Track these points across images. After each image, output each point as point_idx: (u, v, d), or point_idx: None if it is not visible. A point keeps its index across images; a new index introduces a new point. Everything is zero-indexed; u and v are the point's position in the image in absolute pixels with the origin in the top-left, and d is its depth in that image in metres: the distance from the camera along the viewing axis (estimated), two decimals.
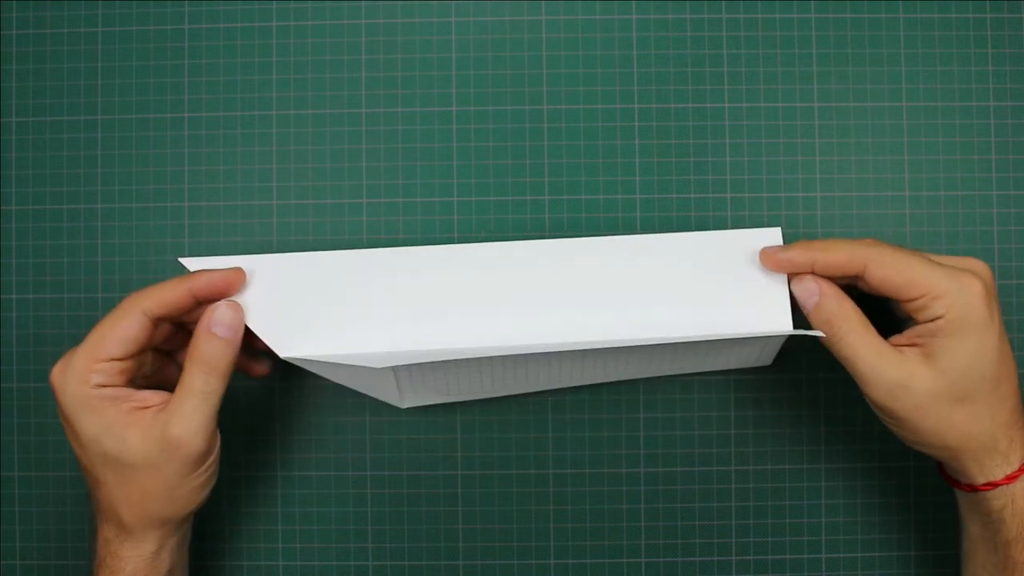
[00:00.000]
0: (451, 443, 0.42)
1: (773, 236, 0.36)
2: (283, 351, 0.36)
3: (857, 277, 0.34)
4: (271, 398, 0.42)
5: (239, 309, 0.35)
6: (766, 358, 0.40)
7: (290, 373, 0.42)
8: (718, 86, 0.42)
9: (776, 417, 0.42)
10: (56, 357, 0.42)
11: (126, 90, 0.42)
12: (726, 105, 0.42)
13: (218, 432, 0.35)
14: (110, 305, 0.42)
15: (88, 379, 0.33)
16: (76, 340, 0.41)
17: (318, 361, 0.36)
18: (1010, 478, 0.33)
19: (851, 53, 0.42)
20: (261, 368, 0.40)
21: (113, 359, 0.33)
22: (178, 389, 0.33)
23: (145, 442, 0.33)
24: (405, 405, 0.40)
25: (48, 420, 0.42)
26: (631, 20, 0.42)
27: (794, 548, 0.42)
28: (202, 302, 0.35)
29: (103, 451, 0.33)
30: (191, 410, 0.33)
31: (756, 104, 0.42)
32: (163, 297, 0.34)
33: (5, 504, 0.42)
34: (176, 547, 0.36)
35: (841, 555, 0.42)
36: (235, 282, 0.35)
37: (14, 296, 0.42)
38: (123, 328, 0.33)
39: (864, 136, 0.42)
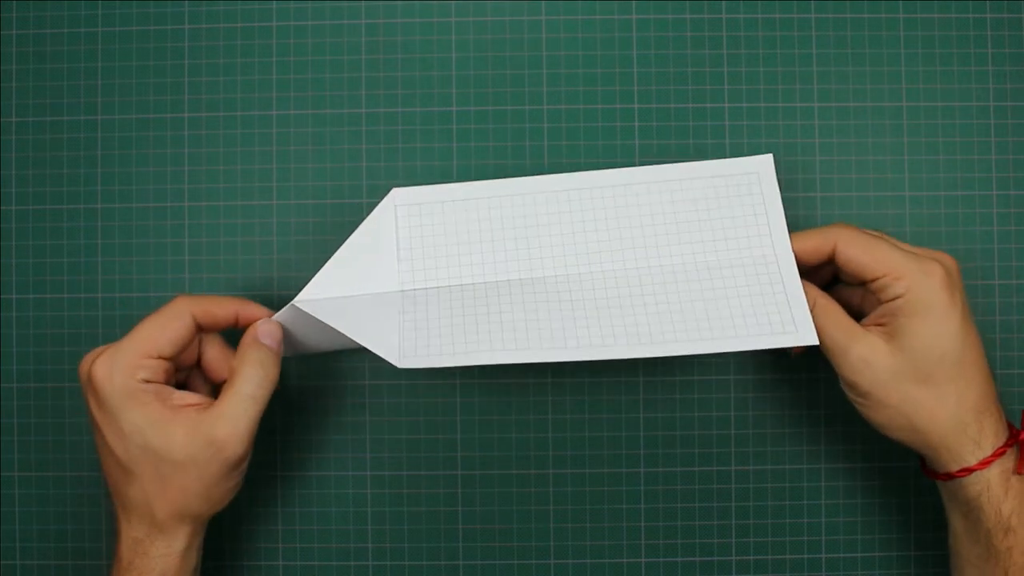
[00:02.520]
0: (451, 443, 0.42)
1: (765, 163, 0.38)
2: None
3: (830, 259, 0.35)
4: (271, 398, 0.42)
5: (280, 327, 0.37)
6: (802, 323, 0.36)
7: (290, 374, 0.42)
8: (718, 86, 0.42)
9: (776, 417, 0.42)
10: (56, 357, 0.42)
11: (126, 90, 0.42)
12: (726, 105, 0.42)
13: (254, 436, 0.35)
14: (110, 305, 0.42)
15: (135, 373, 0.33)
16: (76, 340, 0.42)
17: (325, 300, 0.36)
18: (984, 463, 0.33)
19: (851, 53, 0.42)
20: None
21: (161, 357, 0.34)
22: (227, 393, 0.34)
23: (190, 440, 0.33)
24: (403, 364, 0.34)
25: (48, 420, 0.42)
26: (631, 20, 0.42)
27: (794, 548, 0.42)
28: (240, 326, 0.37)
29: (146, 444, 0.33)
30: (240, 413, 0.34)
31: (756, 104, 0.42)
32: (212, 308, 0.35)
33: (5, 504, 0.42)
34: (200, 546, 0.36)
35: (841, 555, 0.42)
36: (277, 328, 0.37)
37: (14, 296, 0.42)
38: (174, 329, 0.34)
39: (864, 136, 0.42)
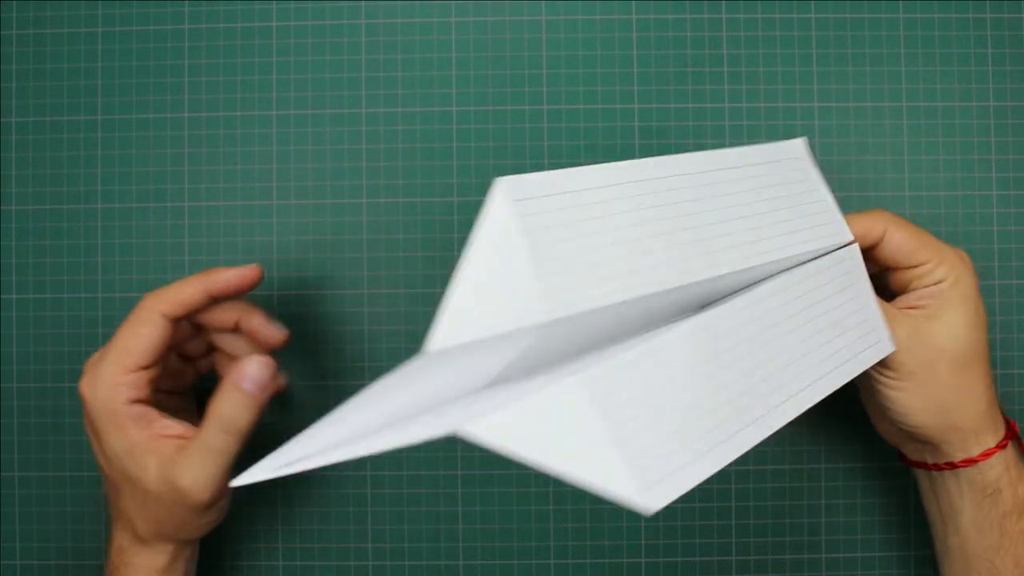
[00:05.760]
0: (451, 443, 0.42)
1: (796, 148, 0.35)
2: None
3: (872, 247, 0.35)
4: (271, 398, 0.42)
5: (270, 366, 0.34)
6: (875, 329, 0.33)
7: (290, 374, 0.42)
8: (718, 86, 0.42)
9: None
10: (56, 357, 0.42)
11: (126, 90, 0.42)
12: (726, 105, 0.42)
13: (229, 479, 0.34)
14: (110, 305, 0.42)
15: (118, 393, 0.33)
16: (76, 340, 0.42)
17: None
18: (1002, 444, 0.34)
19: (851, 53, 0.42)
20: (278, 334, 0.37)
21: (141, 368, 0.33)
22: (196, 440, 0.33)
23: (159, 477, 0.33)
24: (653, 503, 0.24)
25: (48, 420, 0.42)
26: (631, 20, 0.42)
27: (794, 548, 0.42)
28: (218, 300, 0.35)
29: (124, 468, 0.33)
30: (203, 465, 0.32)
31: (756, 104, 0.42)
32: (180, 298, 0.34)
33: (5, 504, 0.42)
34: (189, 557, 0.36)
35: (841, 555, 0.42)
36: (252, 279, 0.35)
37: (14, 296, 0.42)
38: (146, 335, 0.33)
39: (865, 136, 0.42)
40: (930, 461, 0.36)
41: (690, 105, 0.42)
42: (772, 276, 0.31)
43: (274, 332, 0.36)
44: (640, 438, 0.24)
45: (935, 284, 0.34)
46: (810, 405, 0.30)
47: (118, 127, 0.42)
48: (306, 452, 0.24)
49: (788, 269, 0.32)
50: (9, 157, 0.42)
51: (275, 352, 0.41)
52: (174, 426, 0.33)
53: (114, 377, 0.33)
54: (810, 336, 0.31)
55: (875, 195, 0.41)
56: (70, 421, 0.42)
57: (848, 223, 0.34)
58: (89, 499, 0.42)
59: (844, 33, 0.42)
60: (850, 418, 0.42)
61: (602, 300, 0.25)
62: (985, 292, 0.41)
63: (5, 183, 0.42)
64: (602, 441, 0.23)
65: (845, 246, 0.34)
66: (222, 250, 0.42)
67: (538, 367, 0.26)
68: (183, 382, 0.38)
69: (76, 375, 0.42)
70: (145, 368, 0.33)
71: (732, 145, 0.42)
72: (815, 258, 0.33)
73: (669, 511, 0.42)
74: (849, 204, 0.41)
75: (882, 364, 0.34)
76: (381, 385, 0.23)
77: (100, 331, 0.42)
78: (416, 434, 0.22)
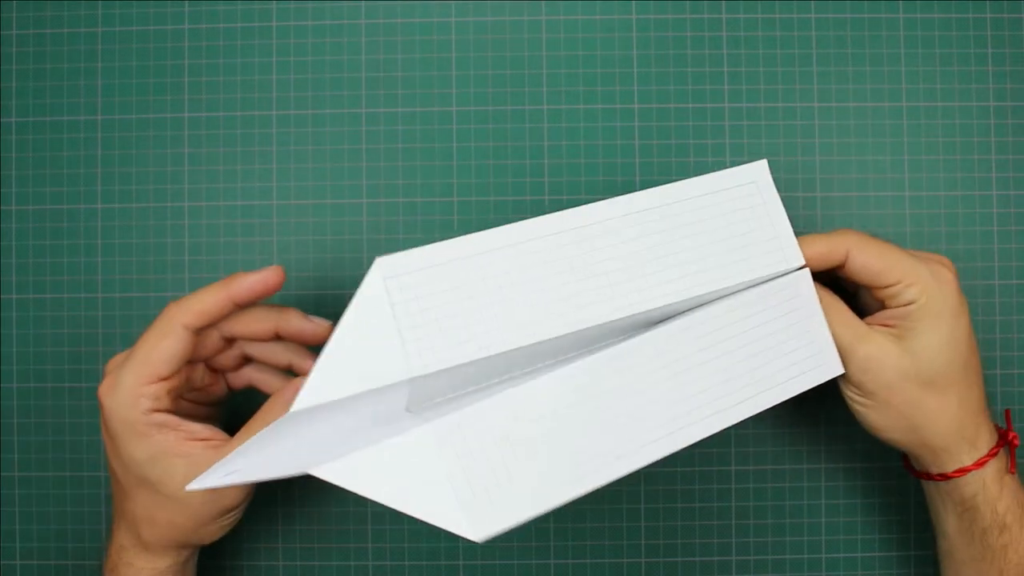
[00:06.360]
0: None
1: (760, 169, 0.34)
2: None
3: (838, 267, 0.34)
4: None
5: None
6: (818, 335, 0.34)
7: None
8: (718, 86, 0.42)
9: (776, 417, 0.42)
10: (56, 357, 0.42)
11: (126, 90, 0.42)
12: (726, 105, 0.42)
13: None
14: (110, 305, 0.42)
15: (138, 403, 0.32)
16: (76, 340, 0.42)
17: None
18: (979, 464, 0.33)
19: (851, 53, 0.42)
20: (322, 328, 0.36)
21: (162, 379, 0.33)
22: (236, 440, 0.33)
23: (189, 478, 0.32)
24: (480, 534, 0.28)
25: (48, 420, 0.42)
26: (631, 20, 0.42)
27: (794, 548, 0.42)
28: (241, 306, 0.34)
29: (143, 476, 0.33)
30: None
31: (756, 104, 0.42)
32: (203, 307, 0.33)
33: (5, 504, 0.42)
34: (189, 559, 0.36)
35: (841, 555, 0.42)
36: (274, 283, 0.34)
37: (14, 296, 0.42)
38: (168, 346, 0.32)
39: (864, 136, 0.42)
40: (918, 468, 0.36)
41: (690, 105, 0.42)
42: (700, 307, 0.32)
43: (318, 327, 0.35)
44: (482, 477, 0.28)
45: (905, 305, 0.33)
46: (718, 430, 0.32)
47: (118, 127, 0.42)
48: (235, 467, 0.28)
49: (719, 299, 0.33)
50: (9, 157, 0.42)
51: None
52: (201, 430, 0.33)
53: (134, 388, 0.32)
54: (731, 364, 0.32)
55: (875, 195, 0.41)
56: (70, 421, 0.42)
57: (807, 245, 0.34)
58: (89, 499, 0.42)
59: (844, 33, 0.42)
60: (850, 418, 0.42)
61: (469, 357, 0.28)
62: (985, 292, 0.41)
63: (5, 183, 0.42)
64: (440, 483, 0.27)
65: (797, 270, 0.34)
66: (222, 250, 0.42)
67: (422, 407, 0.30)
68: (213, 395, 0.38)
69: (76, 375, 0.42)
70: (165, 379, 0.33)
71: (731, 146, 0.42)
72: (755, 285, 0.33)
73: (669, 511, 0.42)
74: (848, 204, 0.41)
75: (848, 381, 0.34)
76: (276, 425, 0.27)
77: (100, 331, 0.42)
78: (281, 469, 0.27)
